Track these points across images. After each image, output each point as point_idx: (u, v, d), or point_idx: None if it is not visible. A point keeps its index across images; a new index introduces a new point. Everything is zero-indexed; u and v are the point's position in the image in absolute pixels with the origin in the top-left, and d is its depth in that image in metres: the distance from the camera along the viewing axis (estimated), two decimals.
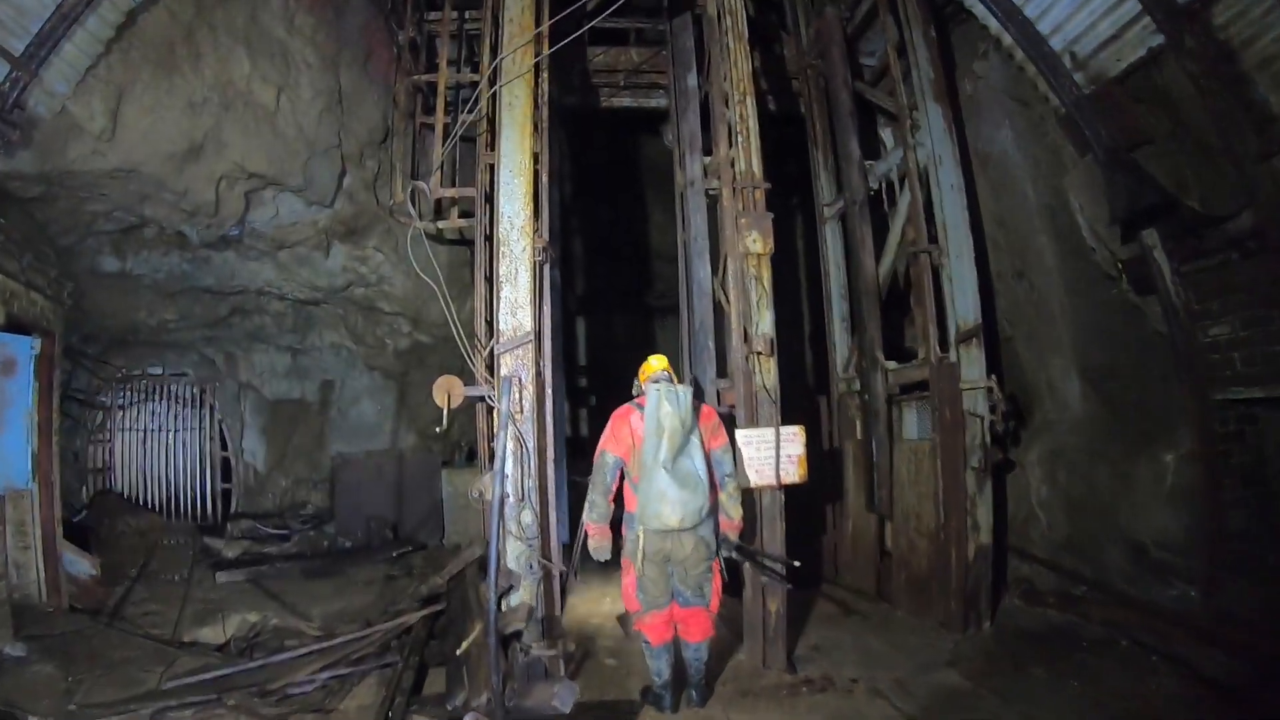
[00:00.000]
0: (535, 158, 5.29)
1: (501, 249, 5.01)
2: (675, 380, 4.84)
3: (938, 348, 6.41)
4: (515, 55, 5.30)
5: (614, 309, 12.56)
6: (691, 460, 4.53)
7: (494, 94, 5.43)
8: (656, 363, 4.93)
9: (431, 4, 7.98)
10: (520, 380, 4.85)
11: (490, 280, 5.40)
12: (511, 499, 4.78)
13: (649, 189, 11.61)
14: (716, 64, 6.08)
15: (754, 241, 5.48)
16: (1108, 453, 6.45)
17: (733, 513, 4.81)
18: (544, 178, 5.47)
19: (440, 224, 7.18)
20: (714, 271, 6.40)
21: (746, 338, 5.48)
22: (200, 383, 10.88)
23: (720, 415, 5.02)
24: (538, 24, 5.46)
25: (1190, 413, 5.80)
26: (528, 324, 4.91)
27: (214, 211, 7.58)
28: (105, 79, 6.12)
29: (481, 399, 5.23)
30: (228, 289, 9.38)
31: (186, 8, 6.47)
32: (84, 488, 10.04)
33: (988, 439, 6.15)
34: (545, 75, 5.68)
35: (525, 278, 4.97)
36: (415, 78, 7.29)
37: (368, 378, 11.11)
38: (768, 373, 5.40)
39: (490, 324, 5.26)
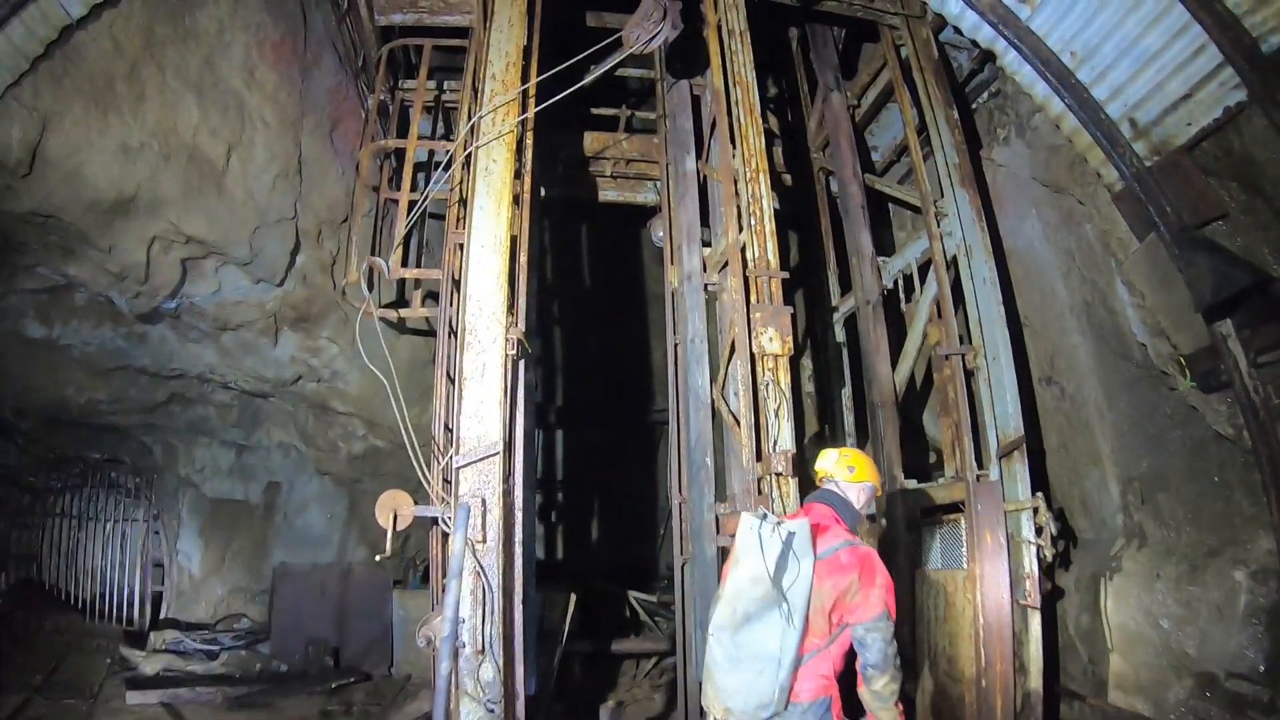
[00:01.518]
0: (513, 236, 4.45)
1: (468, 338, 4.13)
2: (851, 498, 3.65)
3: (974, 463, 5.53)
4: (496, 114, 4.53)
5: (593, 422, 11.63)
6: (767, 631, 3.22)
7: (468, 158, 4.62)
8: (823, 463, 3.76)
9: (409, 71, 7.27)
10: (484, 501, 3.89)
11: (453, 378, 4.46)
12: (468, 649, 3.76)
13: (635, 291, 10.87)
14: (724, 141, 5.35)
15: (771, 340, 4.63)
16: (1163, 573, 5.57)
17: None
18: (522, 258, 4.63)
19: (402, 312, 6.26)
20: (713, 379, 5.52)
21: (760, 455, 4.55)
22: (139, 473, 9.99)
23: (878, 569, 3.43)
24: (524, 81, 4.71)
25: (1274, 523, 4.93)
26: (495, 432, 3.98)
27: (145, 277, 6.71)
28: (29, 104, 5.35)
29: (435, 522, 4.25)
30: (166, 371, 8.38)
31: (134, 40, 5.73)
32: (4, 574, 9.12)
33: (1036, 566, 5.31)
34: (529, 141, 4.90)
35: (495, 375, 4.07)
36: (381, 142, 6.47)
37: (318, 483, 10.05)
38: (788, 496, 4.45)
39: (451, 431, 4.30)
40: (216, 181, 6.51)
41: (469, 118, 5.45)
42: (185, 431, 9.63)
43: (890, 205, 7.92)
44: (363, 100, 7.25)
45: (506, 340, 4.13)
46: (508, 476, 4.09)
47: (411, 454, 4.17)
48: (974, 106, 6.78)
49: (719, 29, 5.68)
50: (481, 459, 3.93)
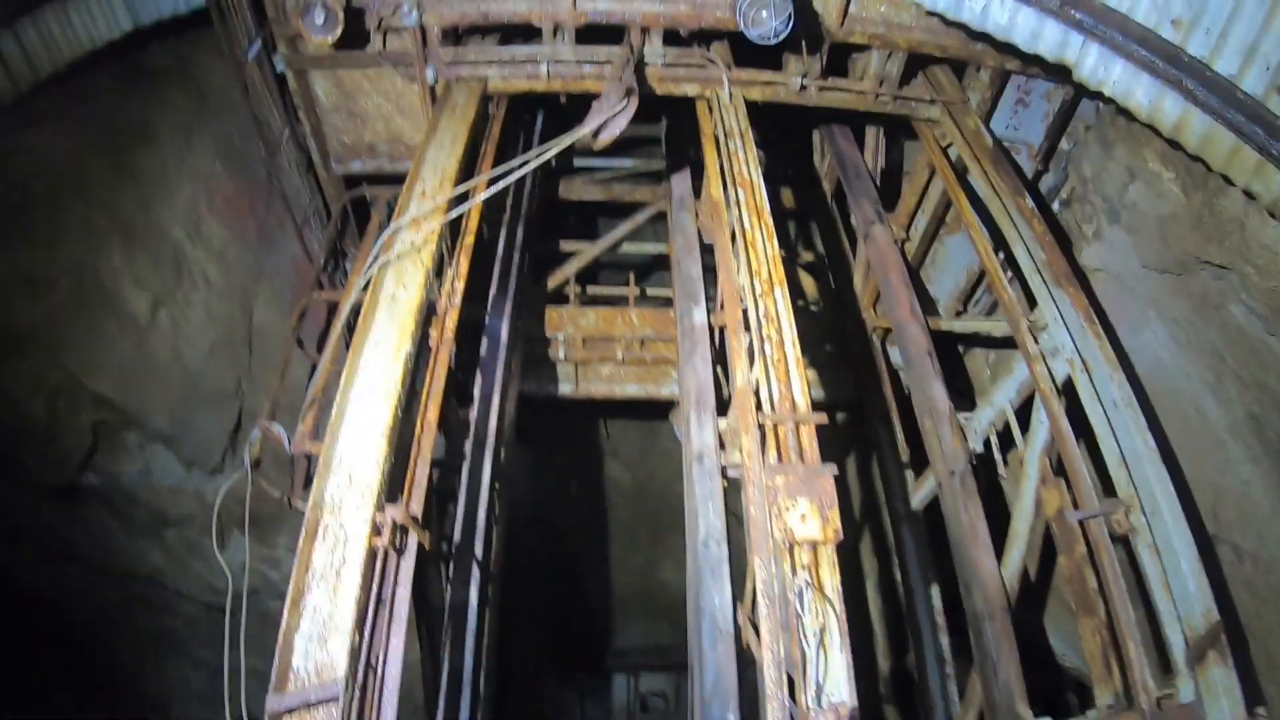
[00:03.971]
0: (414, 385, 3.14)
1: (323, 521, 2.71)
2: None
3: (1148, 679, 3.62)
4: (418, 224, 3.36)
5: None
6: None
7: (368, 282, 3.42)
8: None
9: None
10: None
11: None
12: None
13: (649, 504, 9.48)
14: (724, 256, 4.08)
15: (804, 519, 3.04)
16: None
17: None
18: (431, 414, 3.27)
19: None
20: (738, 596, 3.86)
21: (797, 709, 2.83)
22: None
23: None
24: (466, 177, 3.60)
25: None
26: (341, 664, 2.44)
27: (49, 436, 5.61)
28: None
29: None
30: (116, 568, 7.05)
31: (58, 163, 4.99)
32: None
33: None
34: (462, 268, 3.70)
35: (353, 576, 2.59)
36: (317, 295, 5.42)
37: None
38: None
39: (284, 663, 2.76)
40: (137, 338, 5.54)
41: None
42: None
43: (964, 356, 6.49)
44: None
45: (377, 525, 2.68)
46: None
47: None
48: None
49: (715, 138, 4.75)
50: (315, 703, 2.39)
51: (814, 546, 3.02)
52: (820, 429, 3.43)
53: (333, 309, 5.70)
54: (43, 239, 5.04)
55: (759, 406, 3.43)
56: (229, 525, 6.46)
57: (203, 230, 5.84)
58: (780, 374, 3.44)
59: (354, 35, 5.06)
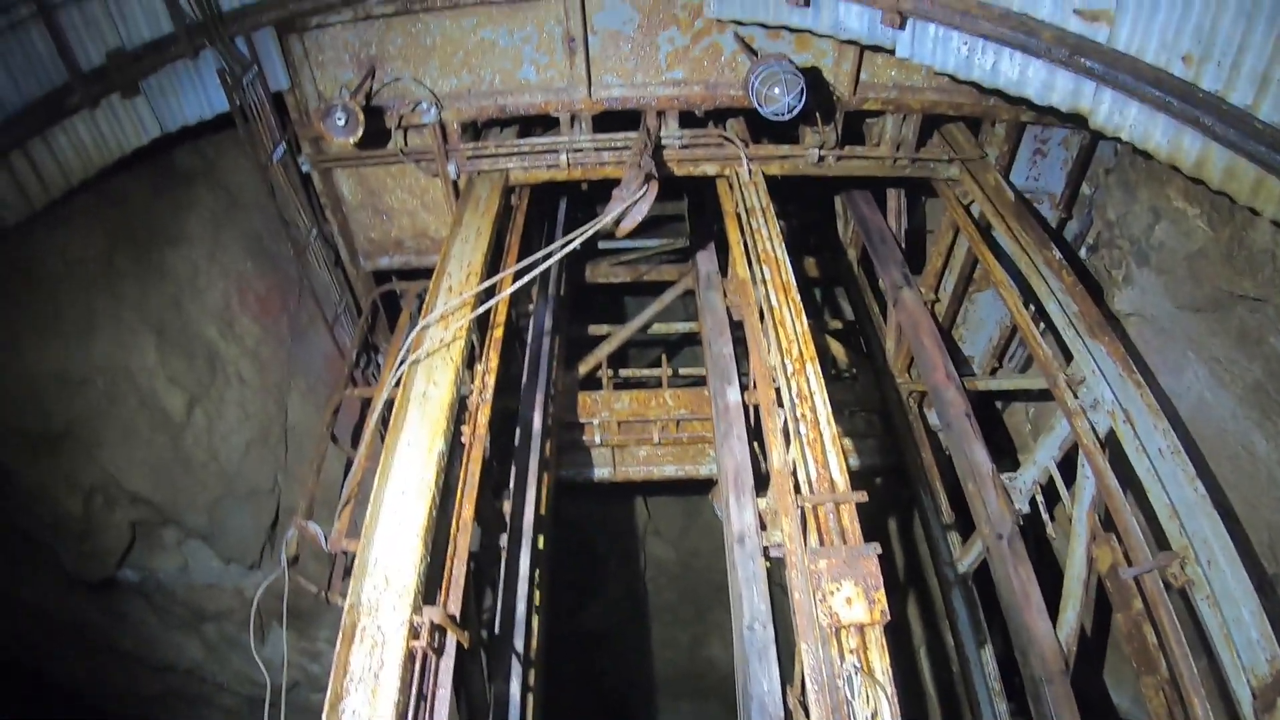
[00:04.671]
0: (448, 482, 3.14)
1: (360, 624, 2.68)
2: None
3: None
4: (447, 320, 3.40)
5: None
6: None
7: (400, 381, 3.44)
8: None
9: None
10: None
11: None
12: None
13: (693, 580, 9.31)
14: (754, 335, 4.07)
15: (850, 602, 2.96)
16: None
17: None
18: (467, 511, 3.25)
19: None
20: (786, 679, 3.75)
21: None
22: None
23: None
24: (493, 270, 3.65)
25: None
26: None
27: (86, 533, 5.62)
28: None
29: None
30: (154, 661, 6.98)
31: (90, 264, 5.08)
32: None
33: None
34: (492, 364, 3.72)
35: (391, 681, 2.54)
36: (350, 391, 5.45)
37: None
38: None
39: None
40: (172, 437, 5.57)
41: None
42: None
43: (1004, 411, 6.38)
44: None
45: (414, 628, 2.64)
46: None
47: None
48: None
49: (737, 215, 4.78)
50: None
51: (861, 629, 2.93)
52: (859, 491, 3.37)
53: (366, 404, 5.73)
54: (76, 338, 5.13)
55: (797, 488, 3.37)
56: (268, 619, 6.45)
57: (235, 327, 5.93)
58: (816, 453, 3.38)
59: (375, 133, 5.18)
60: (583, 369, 6.22)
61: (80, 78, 4.43)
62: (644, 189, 3.67)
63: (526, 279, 3.43)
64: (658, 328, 7.04)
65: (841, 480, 3.33)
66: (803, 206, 8.21)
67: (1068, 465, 4.72)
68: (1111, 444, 4.28)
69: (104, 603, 6.43)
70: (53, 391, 5.12)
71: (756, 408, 4.59)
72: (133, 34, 4.58)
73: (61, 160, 4.60)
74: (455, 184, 5.40)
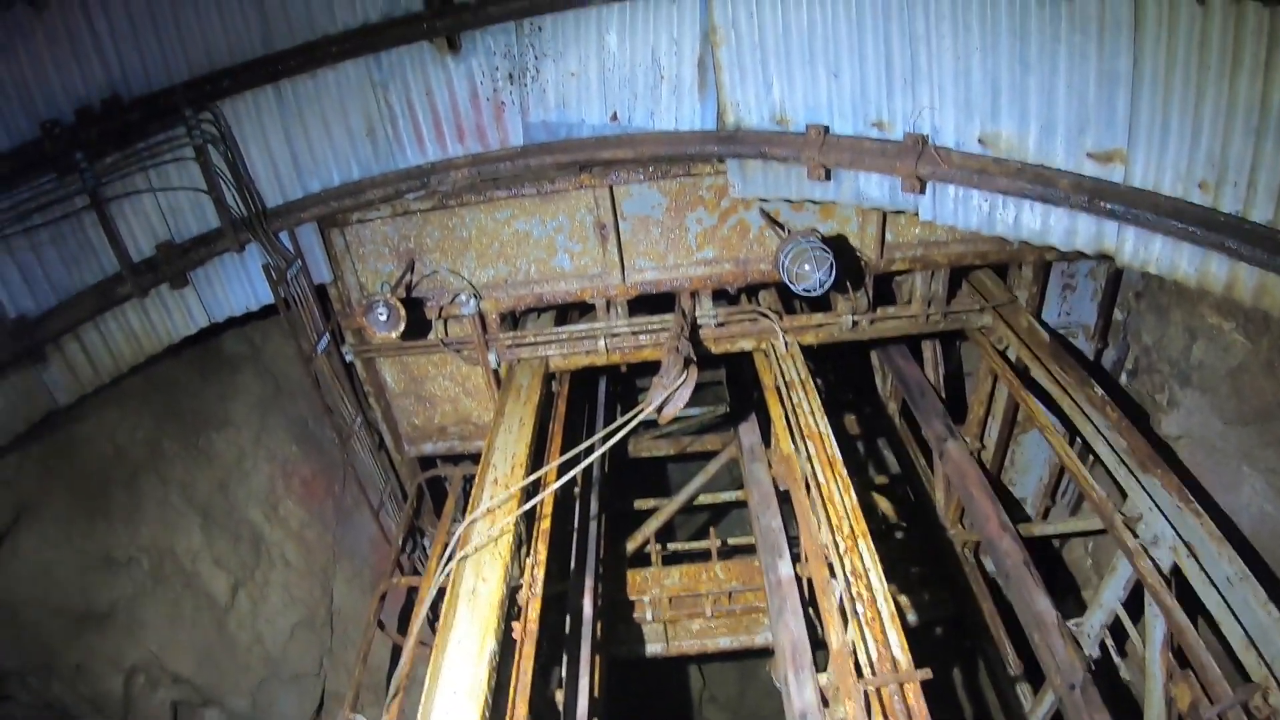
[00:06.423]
0: (495, 672, 3.05)
1: None
2: None
3: None
4: (494, 514, 3.40)
5: None
6: None
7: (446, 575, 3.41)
8: None
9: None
10: None
11: None
12: None
13: None
14: (803, 514, 4.02)
15: None
16: None
17: None
18: (521, 710, 3.15)
19: None
20: None
21: None
22: None
23: None
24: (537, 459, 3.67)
25: None
26: None
27: (123, 712, 5.38)
28: (8, 481, 4.61)
29: None
30: None
31: (138, 449, 5.17)
32: None
33: None
34: (541, 556, 3.68)
35: None
36: (396, 580, 5.38)
37: None
38: None
39: None
40: (216, 618, 5.52)
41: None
42: None
43: (1062, 549, 6.18)
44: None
45: None
46: None
47: None
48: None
49: (777, 389, 4.83)
50: None
51: None
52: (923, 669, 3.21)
53: (412, 591, 5.65)
54: (122, 519, 5.18)
55: (858, 668, 3.24)
56: None
57: (280, 511, 5.98)
58: (876, 632, 3.29)
59: (416, 323, 5.33)
60: (630, 545, 6.17)
61: (131, 268, 4.63)
62: (684, 375, 3.73)
63: (571, 474, 3.44)
64: (703, 497, 7.01)
65: (904, 658, 3.23)
66: (839, 363, 8.26)
67: (1134, 600, 4.58)
68: (1177, 578, 4.16)
69: None
70: (98, 571, 5.13)
71: (810, 580, 4.46)
72: (181, 228, 4.81)
73: (112, 346, 4.78)
74: (495, 372, 5.52)
